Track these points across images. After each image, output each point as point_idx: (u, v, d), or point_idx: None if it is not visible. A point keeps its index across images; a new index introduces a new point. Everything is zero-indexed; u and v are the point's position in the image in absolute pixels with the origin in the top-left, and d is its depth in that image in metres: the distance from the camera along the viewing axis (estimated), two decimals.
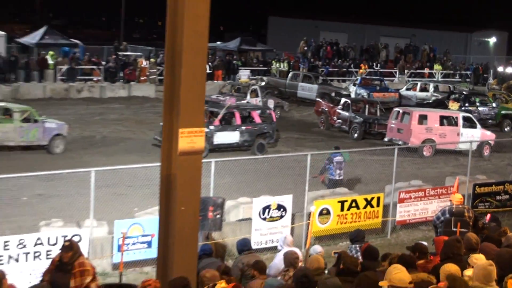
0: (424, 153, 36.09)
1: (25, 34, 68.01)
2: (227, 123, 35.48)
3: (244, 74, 51.50)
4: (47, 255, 17.59)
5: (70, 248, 12.29)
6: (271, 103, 40.69)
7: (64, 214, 20.68)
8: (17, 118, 32.78)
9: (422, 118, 37.40)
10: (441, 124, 37.62)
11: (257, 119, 36.41)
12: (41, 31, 61.42)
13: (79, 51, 59.05)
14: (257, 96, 43.49)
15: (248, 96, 42.95)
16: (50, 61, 53.29)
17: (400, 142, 35.95)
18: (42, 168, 26.61)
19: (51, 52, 55.03)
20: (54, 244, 18.00)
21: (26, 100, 42.14)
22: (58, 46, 58.06)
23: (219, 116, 34.95)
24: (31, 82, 50.68)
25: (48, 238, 18.05)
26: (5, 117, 32.94)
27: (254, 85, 44.54)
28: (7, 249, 17.46)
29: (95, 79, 52.74)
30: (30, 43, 59.15)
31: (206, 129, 32.24)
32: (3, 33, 57.26)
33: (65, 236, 18.10)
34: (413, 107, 42.07)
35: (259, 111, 37.49)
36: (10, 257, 17.45)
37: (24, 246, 17.83)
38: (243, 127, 35.52)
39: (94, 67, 54.87)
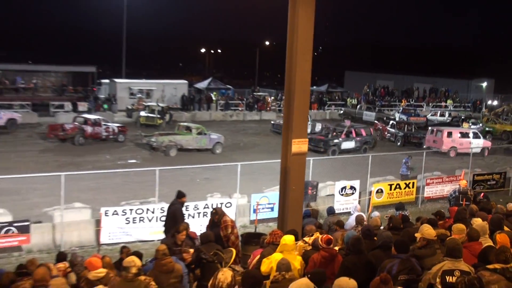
0: (451, 155, 36.26)
1: (199, 81, 69.28)
2: (347, 136, 35.96)
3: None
4: (210, 214, 17.83)
5: (216, 213, 12.65)
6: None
7: (221, 190, 20.89)
8: (194, 132, 33.45)
9: (449, 133, 37.56)
10: (460, 137, 37.74)
11: (363, 133, 36.98)
12: (208, 80, 62.79)
13: (231, 92, 59.83)
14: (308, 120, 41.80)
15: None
16: (214, 98, 54.27)
17: (435, 149, 36.00)
18: (208, 162, 27.06)
19: (214, 93, 56.05)
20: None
21: (199, 121, 42.86)
22: (218, 89, 58.94)
23: (344, 132, 35.97)
24: (202, 111, 51.59)
25: (211, 204, 18.25)
26: (186, 131, 33.67)
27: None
28: (187, 210, 17.79)
29: (240, 109, 53.22)
30: (202, 87, 60.26)
31: (336, 140, 34.58)
32: (185, 81, 58.49)
33: (222, 203, 18.40)
34: (443, 127, 41.61)
35: (364, 128, 38.02)
36: (189, 215, 17.77)
37: (197, 208, 18.13)
38: (357, 138, 36.31)
39: (239, 102, 55.43)
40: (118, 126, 35.85)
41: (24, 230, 15.77)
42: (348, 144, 35.78)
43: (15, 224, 15.77)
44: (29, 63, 69.54)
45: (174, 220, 13.93)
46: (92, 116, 36.17)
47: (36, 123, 41.33)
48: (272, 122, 42.40)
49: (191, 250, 10.34)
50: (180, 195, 14.70)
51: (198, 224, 17.37)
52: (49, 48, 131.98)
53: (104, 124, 35.08)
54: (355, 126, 38.25)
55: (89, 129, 34.21)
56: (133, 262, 7.82)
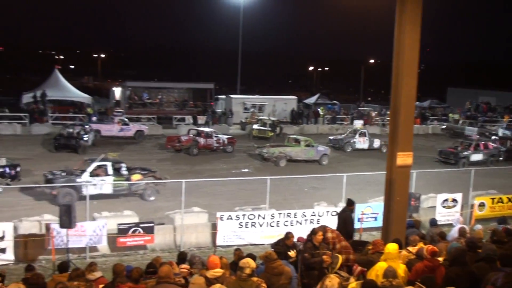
0: None
1: (307, 97, 69.47)
2: (476, 149, 35.19)
3: (359, 123, 47.99)
4: (317, 222, 17.76)
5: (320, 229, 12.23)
6: (377, 142, 39.00)
7: (328, 199, 20.72)
8: (303, 144, 33.45)
9: None
10: None
11: (490, 146, 36.21)
12: (316, 96, 62.90)
13: (337, 107, 59.44)
14: (365, 136, 39.35)
15: (357, 136, 39.12)
16: (321, 113, 54.10)
17: None
18: (315, 172, 26.92)
19: (321, 108, 55.88)
20: (321, 216, 18.15)
21: (307, 134, 42.76)
22: (325, 104, 58.70)
23: (472, 145, 35.26)
24: (310, 124, 51.57)
25: (318, 212, 18.19)
26: (295, 143, 33.74)
27: (363, 129, 40.64)
28: (295, 217, 17.81)
29: (345, 123, 52.67)
30: (310, 102, 60.39)
31: (465, 153, 33.91)
32: (295, 97, 58.76)
33: (328, 211, 18.25)
34: None
35: (492, 143, 37.40)
36: (297, 221, 17.78)
37: (305, 216, 18.08)
38: (485, 151, 35.44)
39: (345, 116, 54.97)
40: (227, 138, 36.51)
41: (149, 230, 16.40)
42: (477, 157, 34.84)
43: (142, 225, 16.44)
44: (155, 81, 72.44)
45: (344, 225, 14.17)
46: (204, 129, 37.12)
47: (161, 134, 42.86)
48: (330, 137, 40.46)
49: (328, 252, 10.20)
50: (350, 203, 15.06)
51: (306, 231, 17.34)
52: (172, 67, 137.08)
53: (215, 136, 35.86)
54: (483, 140, 37.50)
55: (202, 140, 35.05)
56: (248, 263, 7.92)
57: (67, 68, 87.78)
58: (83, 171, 21.96)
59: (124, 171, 22.66)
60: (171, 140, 35.42)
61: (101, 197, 20.91)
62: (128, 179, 22.31)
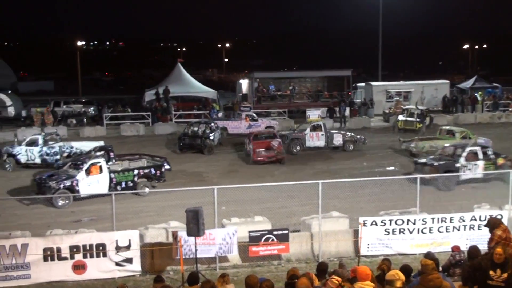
0: None
1: (462, 81, 67.16)
2: None
3: (313, 114, 43.86)
4: (478, 228, 17.00)
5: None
6: (339, 137, 34.70)
7: (490, 200, 19.80)
8: (458, 136, 32.33)
9: None
10: None
11: None
12: (472, 79, 60.67)
13: (499, 91, 56.95)
14: (320, 131, 34.55)
15: (308, 131, 34.56)
16: (479, 99, 52.08)
17: None
18: None
19: (479, 93, 53.82)
20: (483, 221, 17.36)
21: (463, 125, 41.24)
22: (484, 88, 56.46)
23: None
24: (466, 112, 49.73)
25: (479, 216, 17.27)
26: (449, 136, 32.69)
27: (318, 122, 36.27)
28: (452, 222, 17.20)
29: (510, 109, 50.19)
30: (465, 87, 58.39)
31: None
32: (446, 81, 57.06)
33: (491, 215, 17.46)
34: None
35: None
36: (453, 227, 17.17)
37: (463, 220, 17.41)
38: None
39: (509, 101, 52.44)
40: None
41: (283, 238, 16.55)
42: None
43: (275, 233, 16.62)
44: (285, 70, 73.34)
45: None
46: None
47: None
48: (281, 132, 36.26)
49: None
50: None
51: (464, 238, 16.75)
52: (303, 54, 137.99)
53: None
54: None
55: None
56: (397, 275, 7.79)
57: (190, 61, 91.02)
58: (458, 156, 25.99)
59: (491, 155, 26.34)
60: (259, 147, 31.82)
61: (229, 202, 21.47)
62: (494, 163, 25.95)
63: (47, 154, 29.77)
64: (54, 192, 22.88)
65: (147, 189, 24.75)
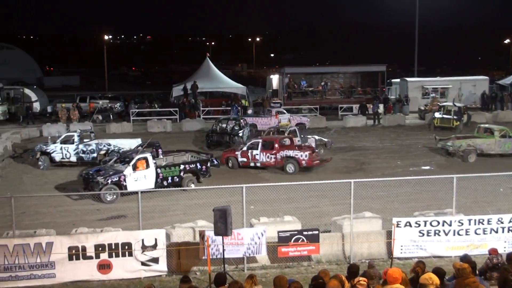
0: None
1: (502, 77, 66.41)
2: None
3: (284, 118, 41.28)
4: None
5: None
6: (312, 141, 32.68)
7: None
8: (497, 135, 31.97)
9: None
10: None
11: None
12: None
13: None
14: (296, 136, 32.10)
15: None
16: None
17: None
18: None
19: None
20: None
21: (502, 123, 40.79)
22: None
23: None
24: (506, 110, 49.08)
25: None
26: (487, 134, 32.36)
27: (292, 127, 34.38)
28: (490, 224, 17.02)
29: None
30: (505, 83, 57.75)
31: None
32: (486, 77, 56.47)
33: None
34: None
35: None
36: (491, 229, 16.97)
37: (502, 222, 17.20)
38: None
39: None
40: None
41: (313, 239, 16.52)
42: None
43: (305, 233, 16.60)
44: (316, 65, 73.21)
45: None
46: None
47: (324, 127, 43.26)
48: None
49: None
50: None
51: (502, 241, 16.58)
52: (335, 49, 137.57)
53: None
54: None
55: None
56: (430, 279, 7.77)
57: (219, 56, 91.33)
58: None
59: None
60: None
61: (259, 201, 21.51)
62: None
63: (83, 152, 30.00)
64: (102, 188, 23.42)
65: (192, 185, 25.30)
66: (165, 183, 24.98)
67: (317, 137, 34.09)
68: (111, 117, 46.67)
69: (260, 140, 30.29)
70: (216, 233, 14.94)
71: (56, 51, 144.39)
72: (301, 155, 29.03)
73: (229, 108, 47.19)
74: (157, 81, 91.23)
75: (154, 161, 25.18)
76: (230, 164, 30.18)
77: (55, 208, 22.65)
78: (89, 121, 43.93)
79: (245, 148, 30.16)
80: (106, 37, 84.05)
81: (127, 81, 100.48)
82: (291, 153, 29.25)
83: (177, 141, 37.00)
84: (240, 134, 34.49)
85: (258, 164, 29.78)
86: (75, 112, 43.40)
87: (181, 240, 16.76)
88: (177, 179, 25.38)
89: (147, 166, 24.69)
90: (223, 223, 14.64)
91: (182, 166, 25.73)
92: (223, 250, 15.27)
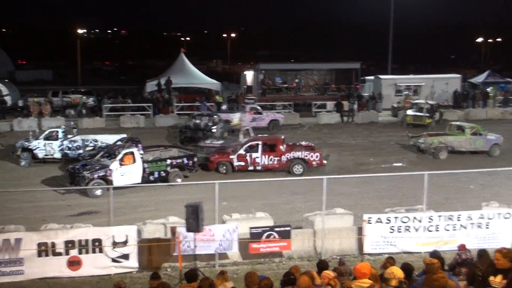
0: None
1: (474, 76, 67.10)
2: None
3: (235, 117, 39.94)
4: (486, 226, 17.11)
5: None
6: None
7: (499, 198, 19.80)
8: (468, 132, 32.31)
9: None
10: None
11: None
12: (485, 74, 60.63)
13: (511, 86, 56.86)
14: (249, 135, 31.38)
15: (241, 136, 31.32)
16: (491, 94, 52.09)
17: None
18: (483, 166, 25.81)
19: (491, 88, 53.82)
20: (491, 219, 17.34)
21: (473, 120, 41.23)
22: (497, 83, 56.37)
23: None
24: (477, 108, 49.61)
25: (487, 214, 17.41)
26: (459, 132, 32.68)
27: (247, 127, 33.32)
28: (459, 220, 17.20)
29: None
30: (477, 82, 58.30)
31: None
32: (458, 75, 57.01)
33: (499, 214, 17.44)
34: None
35: None
36: (461, 225, 17.17)
37: (470, 219, 17.40)
38: None
39: None
40: None
41: (285, 235, 16.58)
42: None
43: (277, 229, 16.66)
44: (291, 62, 73.26)
45: None
46: None
47: (298, 124, 43.33)
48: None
49: None
50: None
51: (471, 237, 16.79)
52: (310, 45, 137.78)
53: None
54: None
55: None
56: (392, 274, 7.83)
57: (194, 51, 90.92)
58: None
59: None
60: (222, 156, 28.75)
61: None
62: None
63: (69, 148, 29.51)
64: (88, 183, 23.39)
65: (179, 180, 25.41)
66: (151, 178, 24.98)
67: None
68: (84, 112, 46.21)
69: (260, 142, 28.68)
70: (188, 229, 14.94)
71: (29, 45, 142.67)
72: (312, 156, 28.00)
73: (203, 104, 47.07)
74: (131, 76, 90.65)
75: (141, 155, 25.13)
76: (223, 170, 27.88)
77: (26, 203, 22.42)
78: (60, 115, 43.56)
79: (242, 151, 28.26)
80: (80, 31, 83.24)
81: (101, 75, 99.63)
82: (299, 154, 28.07)
83: (150, 137, 36.59)
84: (214, 130, 34.39)
85: (259, 168, 28.14)
86: (47, 107, 42.94)
87: (153, 237, 16.67)
88: (164, 174, 25.42)
89: (134, 161, 24.69)
90: (194, 219, 14.64)
91: (168, 161, 25.76)
92: (195, 246, 15.28)
